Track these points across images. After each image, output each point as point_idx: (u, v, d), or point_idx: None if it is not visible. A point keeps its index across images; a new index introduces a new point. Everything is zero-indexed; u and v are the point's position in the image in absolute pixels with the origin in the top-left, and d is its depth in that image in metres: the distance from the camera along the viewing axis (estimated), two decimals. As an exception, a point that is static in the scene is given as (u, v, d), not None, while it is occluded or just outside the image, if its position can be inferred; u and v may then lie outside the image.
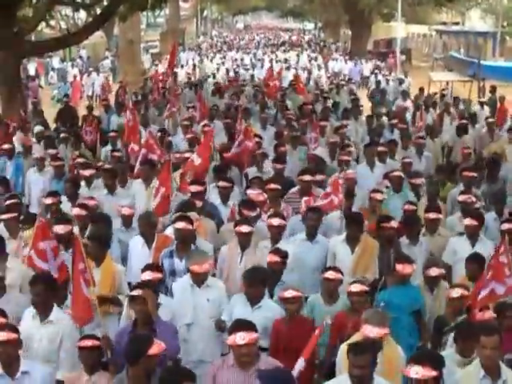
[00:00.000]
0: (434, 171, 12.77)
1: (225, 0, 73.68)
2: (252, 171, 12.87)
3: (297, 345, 7.17)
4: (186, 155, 12.75)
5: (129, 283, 8.74)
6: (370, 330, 6.61)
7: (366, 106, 22.02)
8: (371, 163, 13.19)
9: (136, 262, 9.05)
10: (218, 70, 35.31)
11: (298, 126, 16.26)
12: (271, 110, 19.56)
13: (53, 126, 19.08)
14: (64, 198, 11.19)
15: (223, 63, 38.70)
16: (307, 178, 11.09)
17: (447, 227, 10.44)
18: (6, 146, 14.22)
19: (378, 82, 27.21)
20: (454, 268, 9.33)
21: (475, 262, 8.34)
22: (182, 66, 35.65)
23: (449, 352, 6.87)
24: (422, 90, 24.38)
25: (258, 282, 7.65)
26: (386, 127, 17.01)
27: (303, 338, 7.19)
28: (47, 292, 7.18)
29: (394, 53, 45.57)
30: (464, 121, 17.06)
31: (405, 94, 22.86)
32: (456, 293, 7.69)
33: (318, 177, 11.54)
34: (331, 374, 7.51)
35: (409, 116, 19.43)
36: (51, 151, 13.92)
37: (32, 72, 38.66)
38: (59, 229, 9.00)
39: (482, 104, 21.49)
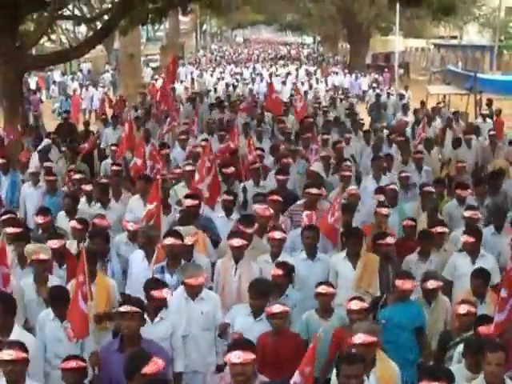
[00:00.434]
0: (433, 183, 12.68)
1: (224, 14, 73.62)
2: (249, 185, 12.86)
3: (283, 359, 7.26)
4: (187, 168, 12.68)
5: (128, 295, 8.71)
6: (358, 337, 6.60)
7: (365, 120, 21.98)
8: (378, 177, 13.18)
9: (136, 276, 9.09)
10: (217, 83, 35.25)
11: (299, 140, 16.22)
12: (267, 125, 19.51)
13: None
14: (61, 214, 11.18)
15: (223, 78, 38.57)
16: (314, 191, 11.05)
17: (452, 242, 10.34)
18: (0, 161, 14.09)
19: (377, 96, 27.15)
20: (455, 284, 9.26)
21: (480, 278, 8.32)
22: (182, 82, 35.33)
23: (457, 367, 6.82)
24: (422, 103, 24.37)
25: (262, 294, 7.69)
26: (384, 142, 16.94)
27: (289, 352, 7.30)
28: (5, 312, 7.07)
29: (391, 67, 45.68)
30: (470, 135, 16.90)
31: (405, 109, 22.78)
32: (463, 309, 7.65)
33: (321, 191, 11.40)
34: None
35: (409, 130, 19.37)
36: (46, 164, 13.85)
37: (33, 86, 38.71)
38: (52, 243, 8.96)
39: (484, 117, 21.37)
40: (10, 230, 9.49)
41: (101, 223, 10.22)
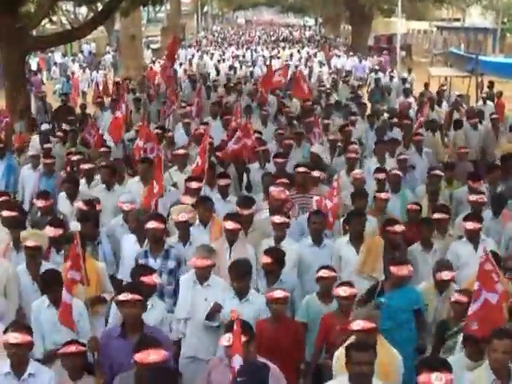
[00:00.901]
0: (443, 168, 12.47)
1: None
2: (254, 167, 12.86)
3: (282, 346, 7.24)
4: (180, 152, 12.58)
5: (121, 280, 8.84)
6: (357, 324, 6.54)
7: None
8: (382, 160, 13.10)
9: (128, 260, 9.04)
10: (218, 66, 34.87)
11: (301, 124, 16.18)
12: (270, 108, 19.27)
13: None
14: (62, 196, 11.16)
15: (223, 60, 38.29)
16: (301, 169, 11.06)
17: (454, 227, 10.22)
18: None
19: (377, 81, 26.83)
20: (459, 273, 8.99)
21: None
22: (181, 64, 34.92)
23: (458, 356, 6.80)
24: (426, 85, 24.29)
25: (242, 275, 7.68)
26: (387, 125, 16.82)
27: (288, 340, 7.29)
28: None
29: (393, 49, 45.50)
30: (475, 119, 16.69)
31: (407, 92, 22.59)
32: (453, 297, 7.62)
33: (316, 173, 11.36)
34: (318, 376, 7.58)
35: (412, 112, 19.27)
36: (46, 146, 13.80)
37: (34, 67, 38.64)
38: (50, 231, 8.88)
39: (484, 100, 21.26)
40: (5, 213, 9.48)
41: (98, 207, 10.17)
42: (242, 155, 13.35)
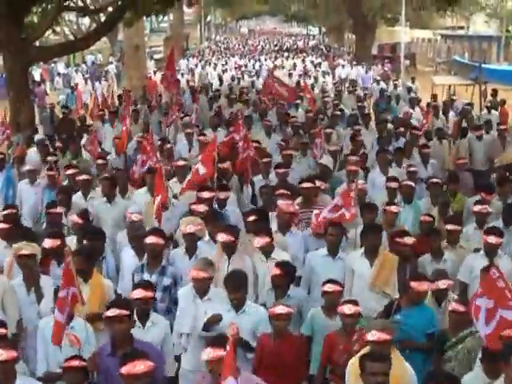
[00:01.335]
0: (446, 180, 12.42)
1: (228, 5, 73.64)
2: (258, 179, 12.85)
3: (284, 363, 7.21)
4: (180, 163, 12.59)
5: (120, 295, 8.80)
6: (372, 334, 6.50)
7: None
8: (385, 170, 13.05)
9: (127, 274, 9.04)
10: (222, 76, 34.80)
11: (306, 135, 16.19)
12: (272, 118, 19.20)
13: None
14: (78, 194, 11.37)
15: (226, 70, 38.11)
16: (307, 185, 10.96)
17: (463, 238, 10.10)
18: None
19: (382, 90, 26.79)
20: (470, 286, 8.94)
21: None
22: (183, 75, 34.79)
23: (475, 372, 6.75)
24: (434, 97, 24.32)
25: (238, 287, 7.64)
26: (392, 134, 16.79)
27: (291, 356, 7.24)
28: None
29: (397, 58, 45.47)
30: (480, 131, 16.63)
31: (413, 101, 22.45)
32: (450, 306, 7.57)
33: (320, 184, 11.34)
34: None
35: (416, 122, 19.17)
36: (49, 159, 13.76)
37: (37, 77, 38.77)
38: (47, 243, 8.86)
39: (489, 109, 21.25)
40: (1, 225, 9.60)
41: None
42: (245, 167, 13.38)
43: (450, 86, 28.31)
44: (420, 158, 14.27)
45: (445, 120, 19.83)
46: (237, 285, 7.66)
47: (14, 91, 19.41)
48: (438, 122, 19.11)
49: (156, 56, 51.91)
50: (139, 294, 7.42)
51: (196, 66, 40.89)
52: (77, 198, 11.64)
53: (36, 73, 40.10)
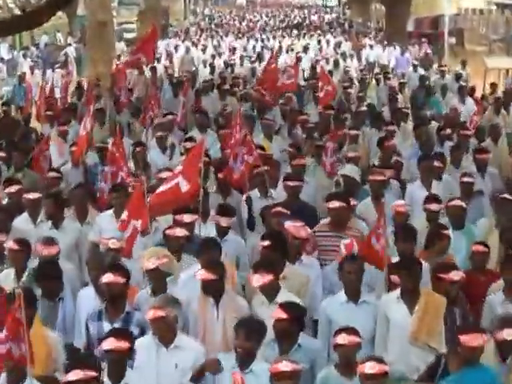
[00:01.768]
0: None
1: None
2: (255, 195, 12.88)
3: None
4: (162, 175, 12.68)
5: (77, 349, 8.98)
6: None
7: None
8: (428, 183, 13.10)
9: (85, 321, 9.03)
10: (213, 61, 34.47)
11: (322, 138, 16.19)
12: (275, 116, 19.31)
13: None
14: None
15: (219, 54, 37.92)
16: (335, 204, 10.93)
17: None
18: None
19: (422, 78, 26.56)
20: None
21: None
22: (158, 60, 34.21)
23: None
24: (493, 86, 24.29)
25: (249, 334, 7.72)
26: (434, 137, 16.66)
27: None
28: None
29: (438, 36, 45.49)
30: None
31: (462, 93, 22.33)
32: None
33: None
34: None
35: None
36: None
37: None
38: None
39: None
40: None
41: (45, 251, 10.07)
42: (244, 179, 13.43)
43: (507, 71, 28.29)
44: (476, 166, 14.24)
45: (506, 115, 19.74)
46: (249, 331, 7.75)
47: None
48: (499, 118, 19.01)
49: (127, 35, 51.99)
50: (111, 344, 7.41)
51: (176, 48, 40.35)
52: (21, 222, 11.66)
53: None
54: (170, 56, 37.19)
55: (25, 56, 40.71)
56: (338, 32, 56.59)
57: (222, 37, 50.30)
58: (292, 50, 38.59)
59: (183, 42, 44.93)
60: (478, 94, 23.64)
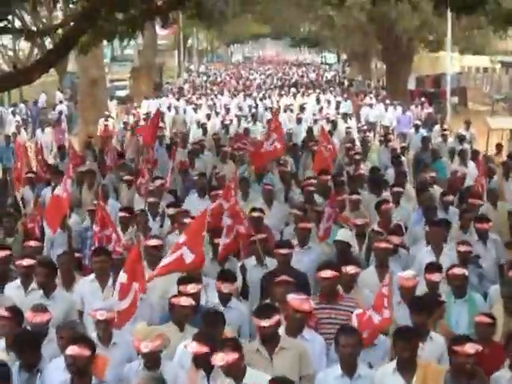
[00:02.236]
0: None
1: (216, 25, 74.40)
2: (250, 264, 12.90)
3: None
4: (150, 243, 12.73)
5: None
6: None
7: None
8: (438, 251, 13.12)
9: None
10: (207, 122, 34.04)
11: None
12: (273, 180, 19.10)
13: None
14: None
15: (216, 113, 37.56)
16: (327, 274, 10.86)
17: None
18: None
19: (424, 140, 26.10)
20: None
21: None
22: (145, 120, 33.45)
23: None
24: (499, 147, 24.36)
25: None
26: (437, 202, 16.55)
27: None
28: None
29: (440, 94, 45.62)
30: None
31: (464, 156, 22.13)
32: None
33: (350, 269, 11.28)
34: None
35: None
36: None
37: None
38: None
39: None
40: None
41: (37, 318, 10.03)
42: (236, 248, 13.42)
43: (511, 131, 28.38)
44: (476, 233, 14.22)
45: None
46: None
47: None
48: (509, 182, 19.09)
49: (119, 93, 52.06)
50: None
51: (169, 107, 40.13)
52: (11, 289, 11.64)
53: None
54: (161, 116, 36.93)
55: (13, 113, 40.74)
56: (337, 91, 56.78)
57: (216, 95, 50.14)
58: (291, 110, 38.16)
59: (178, 100, 44.84)
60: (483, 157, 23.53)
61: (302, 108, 37.98)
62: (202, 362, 8.85)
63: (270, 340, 9.41)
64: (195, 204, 16.35)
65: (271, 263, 12.58)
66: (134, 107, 40.62)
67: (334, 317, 10.55)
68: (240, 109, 40.80)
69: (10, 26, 23.28)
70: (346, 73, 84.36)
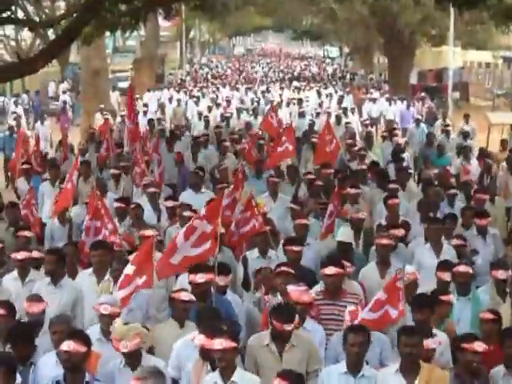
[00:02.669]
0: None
1: (219, 17, 74.35)
2: (253, 255, 12.89)
3: None
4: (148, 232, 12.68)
5: None
6: None
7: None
8: (438, 248, 13.09)
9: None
10: (208, 114, 33.88)
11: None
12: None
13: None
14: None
15: (217, 105, 37.14)
16: (332, 270, 10.86)
17: None
18: None
19: (429, 136, 25.69)
20: None
21: None
22: (145, 112, 33.69)
23: None
24: (504, 143, 24.36)
25: None
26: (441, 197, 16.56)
27: None
28: None
29: (441, 89, 45.52)
30: None
31: (467, 153, 21.97)
32: None
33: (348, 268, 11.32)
34: None
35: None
36: None
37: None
38: None
39: None
40: None
41: (33, 308, 10.10)
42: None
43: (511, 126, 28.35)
44: (475, 228, 14.26)
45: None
46: None
47: None
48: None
49: (121, 84, 52.00)
50: None
51: (170, 100, 39.89)
52: (8, 281, 11.69)
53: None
54: (161, 108, 36.91)
55: (16, 103, 40.69)
56: (339, 85, 56.65)
57: (218, 88, 49.95)
58: (294, 103, 37.98)
59: (178, 92, 44.70)
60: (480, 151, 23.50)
61: (300, 101, 37.98)
62: (209, 355, 8.84)
63: (281, 338, 9.39)
64: (191, 199, 16.19)
65: (280, 258, 12.50)
66: (136, 98, 40.53)
67: (337, 313, 10.57)
68: (242, 102, 40.66)
69: (12, 16, 23.33)
70: (348, 66, 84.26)
